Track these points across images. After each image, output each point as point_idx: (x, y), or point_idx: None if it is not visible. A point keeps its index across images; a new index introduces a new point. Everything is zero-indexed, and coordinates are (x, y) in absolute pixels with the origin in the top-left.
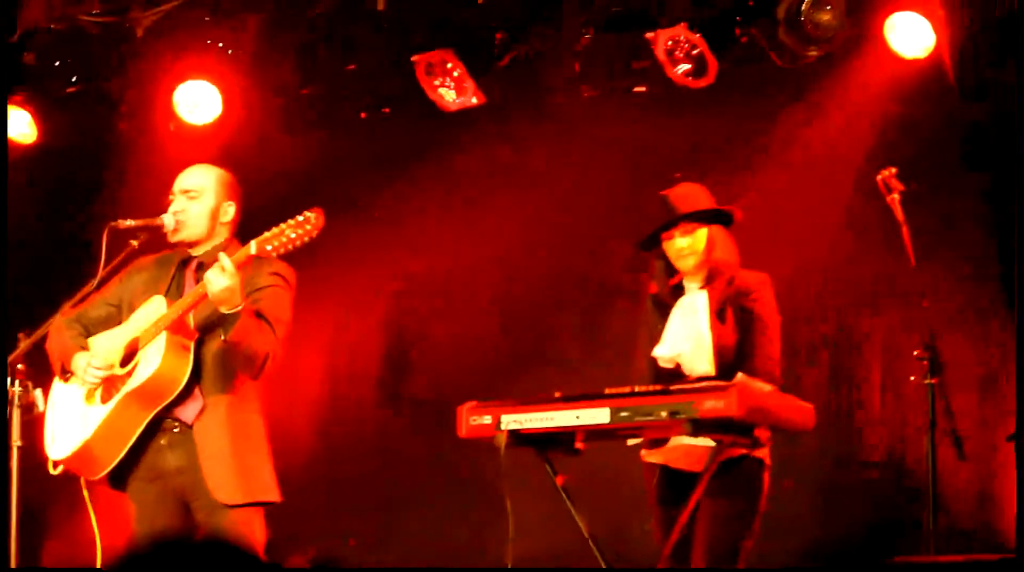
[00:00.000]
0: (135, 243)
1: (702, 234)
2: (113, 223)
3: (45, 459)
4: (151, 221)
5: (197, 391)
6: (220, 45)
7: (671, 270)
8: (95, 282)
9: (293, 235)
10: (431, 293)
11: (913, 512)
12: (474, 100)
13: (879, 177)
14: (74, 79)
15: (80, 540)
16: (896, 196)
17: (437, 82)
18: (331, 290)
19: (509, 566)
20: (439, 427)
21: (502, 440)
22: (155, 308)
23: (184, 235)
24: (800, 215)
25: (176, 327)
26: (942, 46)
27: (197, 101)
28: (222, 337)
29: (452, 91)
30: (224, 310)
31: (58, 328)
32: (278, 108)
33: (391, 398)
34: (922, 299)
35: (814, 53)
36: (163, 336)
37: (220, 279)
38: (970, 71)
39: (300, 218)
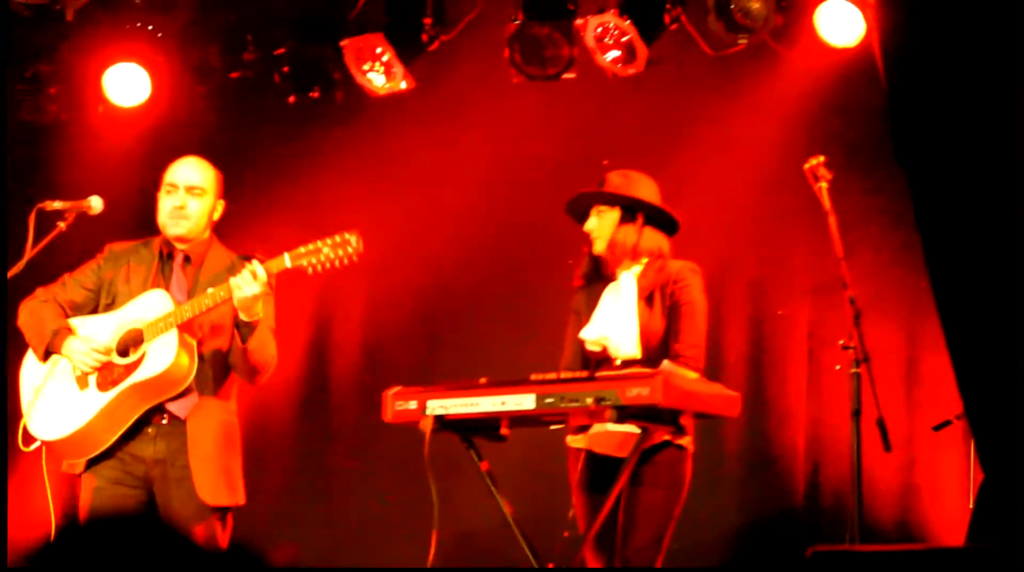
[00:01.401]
0: (62, 225)
1: (611, 218)
2: (40, 205)
3: (18, 435)
4: (79, 203)
5: (193, 389)
6: (150, 28)
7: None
8: (22, 264)
9: (332, 255)
10: (357, 277)
11: (837, 502)
12: (403, 85)
13: (807, 166)
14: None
15: (29, 513)
16: (824, 185)
17: (366, 67)
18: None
19: (432, 551)
20: (365, 412)
21: (428, 425)
22: (157, 302)
23: (183, 231)
24: (727, 204)
25: (185, 325)
26: (872, 35)
27: (126, 84)
28: (239, 342)
29: (381, 76)
30: (244, 318)
31: (33, 309)
32: (206, 91)
33: (316, 382)
34: (847, 288)
35: (744, 41)
36: (174, 333)
37: (251, 287)
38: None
39: (339, 239)
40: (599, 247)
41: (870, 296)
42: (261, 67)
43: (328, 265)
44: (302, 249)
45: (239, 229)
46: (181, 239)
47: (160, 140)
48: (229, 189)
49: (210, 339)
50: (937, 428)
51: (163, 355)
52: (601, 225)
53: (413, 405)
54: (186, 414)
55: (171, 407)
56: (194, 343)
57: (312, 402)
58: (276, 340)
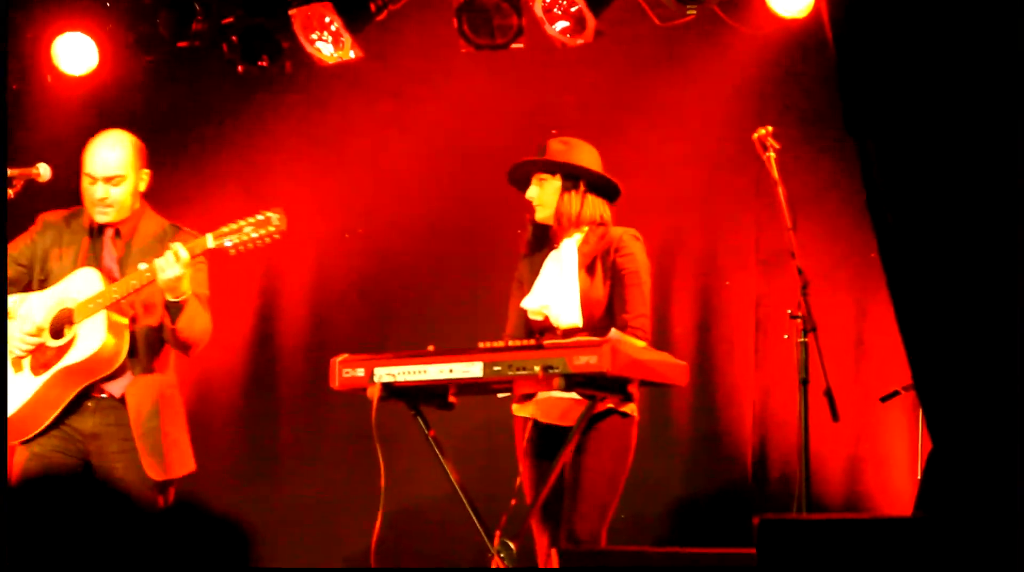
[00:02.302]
0: (11, 192)
1: (553, 186)
2: None
3: None
4: (27, 171)
5: (127, 367)
6: None
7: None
8: None
9: (254, 234)
10: (305, 247)
11: (784, 472)
12: (352, 54)
13: (755, 136)
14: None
15: None
16: (772, 155)
17: (315, 36)
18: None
19: (379, 520)
20: (313, 382)
21: (375, 393)
22: (88, 282)
23: (110, 218)
24: (676, 174)
25: (114, 305)
26: (821, 4)
27: (75, 53)
28: (169, 322)
29: (330, 45)
30: (171, 298)
31: None
32: (155, 61)
33: (264, 353)
34: (795, 258)
35: (692, 12)
36: (103, 315)
37: (173, 269)
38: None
39: (261, 217)
40: (541, 215)
41: (819, 267)
42: (209, 36)
43: (251, 245)
44: (225, 228)
45: (185, 199)
46: (110, 224)
47: (108, 109)
48: (175, 158)
49: (143, 317)
50: (885, 399)
51: (92, 338)
52: (543, 193)
53: (361, 372)
54: (121, 392)
55: (106, 386)
56: (125, 322)
57: (260, 373)
58: (225, 312)
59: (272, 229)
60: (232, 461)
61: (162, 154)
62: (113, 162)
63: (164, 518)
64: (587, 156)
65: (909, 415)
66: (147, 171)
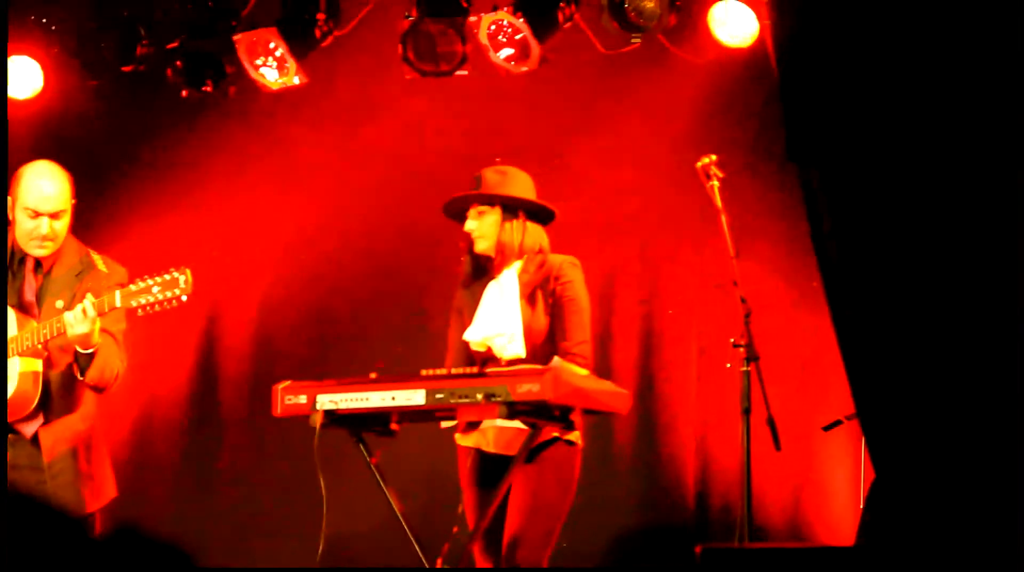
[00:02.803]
0: None
1: (492, 217)
2: None
3: None
4: None
5: (39, 411)
6: (44, 21)
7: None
8: None
9: (160, 297)
10: (248, 271)
11: (727, 501)
12: (296, 80)
13: (699, 164)
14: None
15: None
16: (715, 183)
17: (259, 61)
18: (145, 269)
19: (321, 546)
20: (255, 407)
21: (317, 420)
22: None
23: (48, 252)
24: (619, 201)
25: (26, 351)
26: (766, 34)
27: (20, 76)
28: (78, 373)
29: (274, 71)
30: (80, 350)
31: None
32: (99, 85)
33: (206, 377)
34: (738, 287)
35: (637, 40)
36: (16, 362)
37: (81, 325)
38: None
39: (168, 277)
40: (482, 246)
41: (761, 296)
42: (154, 61)
43: (158, 307)
44: (132, 287)
45: (126, 225)
46: (42, 258)
47: (52, 133)
48: (118, 182)
49: (58, 359)
50: (827, 428)
51: (5, 384)
52: (482, 225)
53: (303, 399)
54: (32, 433)
55: (19, 426)
56: (38, 368)
57: (203, 399)
58: (169, 338)
59: (178, 291)
60: (173, 486)
61: (106, 177)
62: (56, 196)
63: (102, 543)
64: (523, 185)
65: (852, 444)
66: (73, 201)
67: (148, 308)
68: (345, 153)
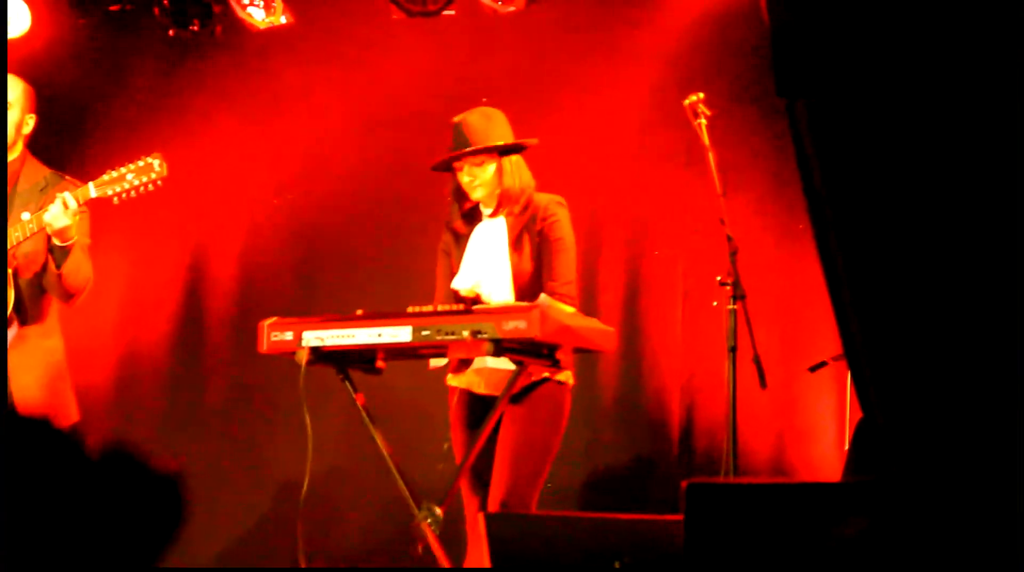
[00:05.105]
0: None
1: (490, 166)
2: None
3: None
4: None
5: (13, 319)
6: None
7: (463, 197)
8: None
9: (136, 182)
10: (234, 209)
11: (712, 440)
12: (283, 20)
13: (687, 102)
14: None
15: None
16: (703, 121)
17: (246, 1)
18: (126, 211)
19: (306, 484)
20: (241, 344)
21: (303, 356)
22: None
23: None
24: (607, 143)
25: None
26: None
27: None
28: (53, 267)
29: (261, 10)
30: (58, 242)
31: None
32: (86, 23)
33: (192, 316)
34: (725, 225)
35: None
36: None
37: (62, 219)
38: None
39: (142, 163)
40: (481, 194)
41: (748, 235)
42: (141, 0)
43: (133, 193)
44: (106, 177)
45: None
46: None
47: (39, 71)
48: (106, 122)
49: (25, 267)
50: (813, 369)
51: None
52: (483, 174)
53: (289, 336)
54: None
55: None
56: (10, 273)
57: (187, 337)
58: (155, 275)
59: (154, 175)
60: (157, 424)
61: (93, 118)
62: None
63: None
64: (505, 124)
65: (837, 386)
66: (33, 116)
67: (124, 194)
68: (332, 92)
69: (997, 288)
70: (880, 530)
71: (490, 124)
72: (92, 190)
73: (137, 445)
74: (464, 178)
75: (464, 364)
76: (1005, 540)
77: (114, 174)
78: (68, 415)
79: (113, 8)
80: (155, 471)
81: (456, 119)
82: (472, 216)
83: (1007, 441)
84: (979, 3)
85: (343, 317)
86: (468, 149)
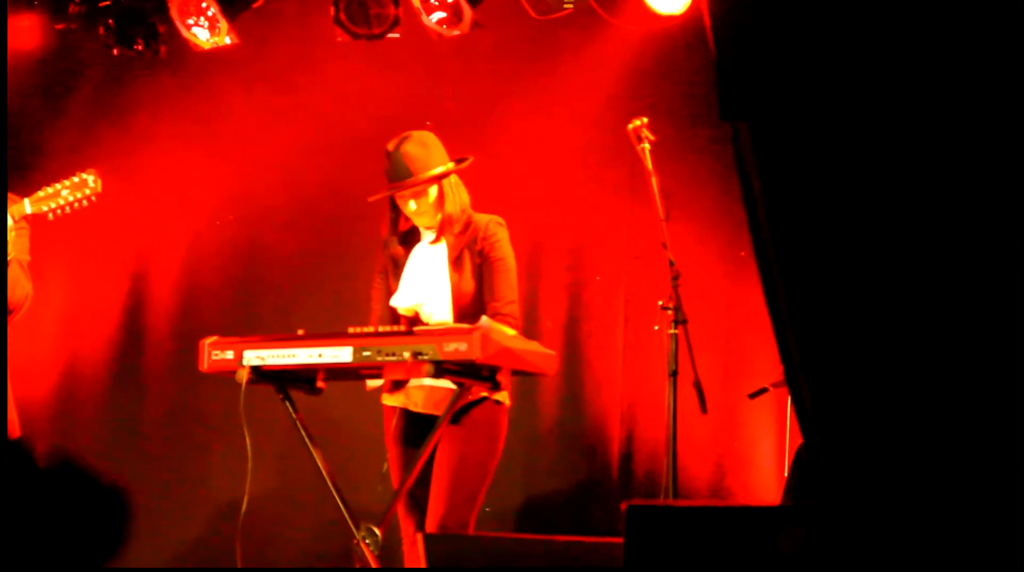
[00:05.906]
0: None
1: (432, 191)
2: None
3: None
4: None
5: None
6: None
7: (400, 219)
8: None
9: (71, 198)
10: (175, 228)
11: (652, 465)
12: (228, 40)
13: (630, 127)
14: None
15: None
16: (646, 146)
17: (191, 21)
18: (68, 228)
19: (245, 504)
20: (181, 363)
21: (243, 376)
22: None
23: None
24: (550, 168)
25: None
26: (701, 2)
27: None
28: None
29: (206, 31)
30: None
31: None
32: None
33: (132, 334)
34: (667, 249)
35: (570, 6)
36: None
37: None
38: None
39: (76, 179)
40: (426, 222)
41: (690, 260)
42: (86, 19)
43: (68, 209)
44: (41, 193)
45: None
46: None
47: None
48: (47, 142)
49: None
50: (753, 396)
51: None
52: (423, 204)
53: (230, 355)
54: None
55: None
56: None
57: (127, 355)
58: (95, 293)
59: (88, 191)
60: (97, 440)
61: (35, 136)
62: None
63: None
64: (440, 149)
65: (777, 413)
66: None
67: (59, 210)
68: (275, 114)
69: (939, 313)
70: (820, 549)
71: (428, 152)
72: (27, 206)
73: (79, 460)
74: (409, 207)
75: (399, 383)
76: (946, 559)
77: (49, 190)
78: (10, 430)
79: (59, 27)
80: (99, 486)
81: (390, 147)
82: (410, 236)
83: (946, 459)
84: (928, 25)
85: (284, 337)
86: (412, 180)
